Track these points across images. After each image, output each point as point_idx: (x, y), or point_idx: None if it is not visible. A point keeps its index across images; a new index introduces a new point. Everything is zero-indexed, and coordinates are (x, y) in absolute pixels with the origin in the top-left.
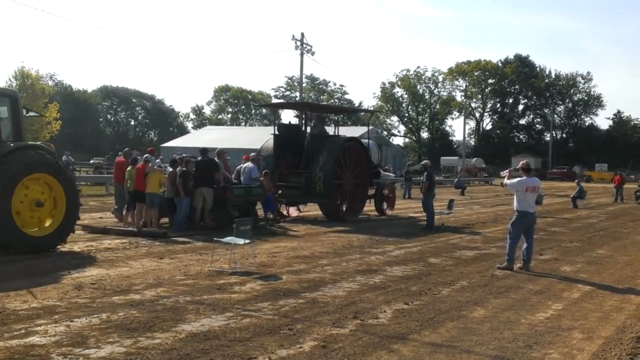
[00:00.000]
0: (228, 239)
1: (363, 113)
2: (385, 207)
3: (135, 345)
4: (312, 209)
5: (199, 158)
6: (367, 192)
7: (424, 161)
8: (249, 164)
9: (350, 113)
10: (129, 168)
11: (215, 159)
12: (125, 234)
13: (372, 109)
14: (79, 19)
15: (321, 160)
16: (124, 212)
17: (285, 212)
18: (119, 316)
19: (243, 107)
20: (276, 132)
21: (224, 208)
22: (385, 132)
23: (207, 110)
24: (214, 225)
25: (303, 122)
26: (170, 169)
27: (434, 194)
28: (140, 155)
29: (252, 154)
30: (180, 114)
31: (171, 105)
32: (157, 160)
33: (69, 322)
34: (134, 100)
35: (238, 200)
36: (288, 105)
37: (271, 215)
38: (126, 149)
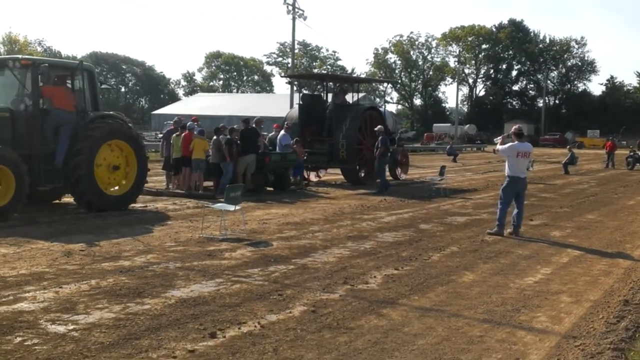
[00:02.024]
0: (218, 205)
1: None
2: (399, 171)
3: (124, 311)
4: (329, 175)
5: (235, 126)
6: None
7: (378, 126)
8: (283, 132)
9: (368, 83)
10: (174, 135)
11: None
12: (176, 196)
13: (366, 76)
14: None
15: (344, 128)
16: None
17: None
18: (108, 282)
19: (235, 73)
20: (300, 102)
21: (262, 172)
22: (378, 99)
23: (199, 77)
24: (253, 188)
25: (324, 92)
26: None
27: (387, 160)
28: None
29: (287, 122)
30: (171, 80)
31: (162, 72)
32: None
33: (58, 288)
34: (124, 67)
35: (274, 166)
36: (310, 76)
37: (299, 179)
38: (176, 118)
